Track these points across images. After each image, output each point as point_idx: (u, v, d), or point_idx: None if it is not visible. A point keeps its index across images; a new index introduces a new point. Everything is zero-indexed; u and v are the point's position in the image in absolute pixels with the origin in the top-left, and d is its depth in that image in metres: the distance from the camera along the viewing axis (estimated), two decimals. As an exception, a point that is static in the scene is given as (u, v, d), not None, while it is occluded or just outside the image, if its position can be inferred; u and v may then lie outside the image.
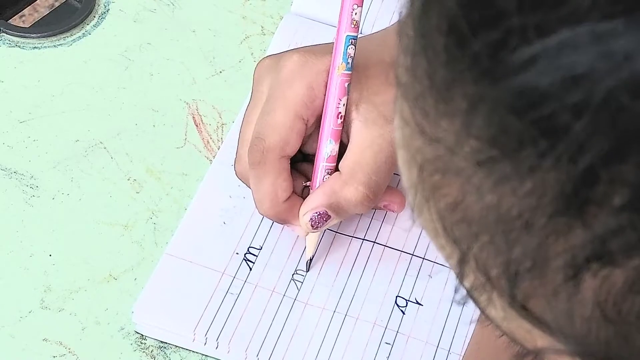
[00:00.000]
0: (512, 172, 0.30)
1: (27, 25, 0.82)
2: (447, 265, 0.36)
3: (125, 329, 0.66)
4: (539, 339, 0.34)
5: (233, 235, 0.70)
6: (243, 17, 0.83)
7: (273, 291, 0.68)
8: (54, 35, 0.80)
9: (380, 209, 0.70)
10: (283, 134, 0.65)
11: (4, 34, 0.79)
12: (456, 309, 0.68)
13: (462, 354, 0.66)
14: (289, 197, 0.66)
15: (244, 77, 0.79)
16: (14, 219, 0.70)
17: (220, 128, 0.76)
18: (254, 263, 0.69)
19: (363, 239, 0.70)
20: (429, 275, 0.69)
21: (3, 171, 0.72)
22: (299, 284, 0.68)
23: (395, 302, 0.68)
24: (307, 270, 0.69)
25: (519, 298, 0.32)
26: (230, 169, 0.72)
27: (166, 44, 0.80)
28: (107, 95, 0.77)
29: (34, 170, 0.72)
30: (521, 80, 0.29)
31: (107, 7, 0.82)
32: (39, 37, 0.79)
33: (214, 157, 0.74)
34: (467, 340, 0.66)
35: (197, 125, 0.76)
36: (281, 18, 0.82)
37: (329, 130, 0.66)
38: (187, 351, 0.66)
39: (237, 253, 0.69)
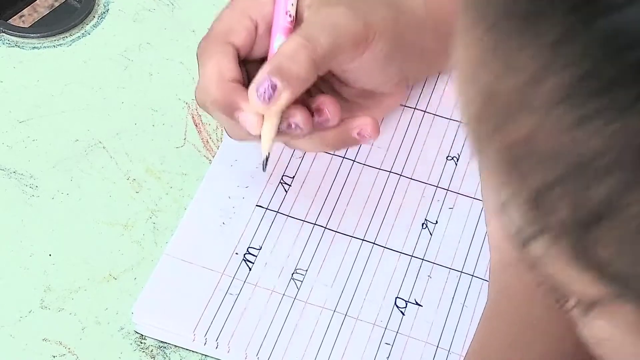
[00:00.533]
0: (597, 112, 0.29)
1: (26, 26, 0.82)
2: (497, 208, 0.34)
3: (125, 328, 0.66)
4: (594, 287, 0.33)
5: (232, 235, 0.70)
6: (242, 17, 0.83)
7: (273, 291, 0.68)
8: (53, 35, 0.80)
9: (355, 141, 0.68)
10: (227, 22, 0.66)
11: (4, 34, 0.79)
12: (456, 309, 0.68)
13: (462, 354, 0.66)
14: (236, 82, 0.64)
15: (244, 77, 0.79)
16: (13, 219, 0.70)
17: (220, 128, 0.76)
18: (253, 263, 0.69)
19: (362, 240, 0.70)
20: (429, 276, 0.69)
21: (3, 171, 0.72)
22: (298, 283, 0.68)
23: (395, 303, 0.68)
24: (264, 170, 0.68)
25: (585, 244, 0.31)
26: (230, 170, 0.73)
27: (166, 43, 0.81)
28: (107, 95, 0.77)
29: (34, 170, 0.73)
30: (616, 21, 0.28)
31: (106, 7, 0.82)
32: (38, 37, 0.79)
33: (213, 156, 0.74)
34: (468, 340, 0.66)
35: (196, 125, 0.76)
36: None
37: (278, 26, 0.66)
38: (187, 351, 0.66)
39: (237, 253, 0.69)
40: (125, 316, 0.67)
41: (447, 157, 0.75)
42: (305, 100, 0.66)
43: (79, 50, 0.80)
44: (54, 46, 0.80)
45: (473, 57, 0.33)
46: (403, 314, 0.67)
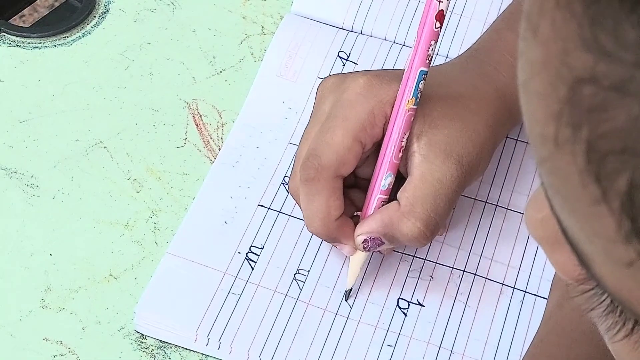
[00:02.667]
0: None
1: (27, 25, 0.82)
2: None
3: (126, 328, 0.66)
4: None
5: (234, 234, 0.69)
6: (243, 17, 0.83)
7: (275, 291, 0.68)
8: (54, 35, 0.80)
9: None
10: (340, 154, 0.64)
11: (5, 34, 0.79)
12: (458, 308, 0.68)
13: (465, 353, 0.66)
14: (341, 218, 0.65)
15: (244, 77, 0.79)
16: (14, 219, 0.70)
17: (221, 128, 0.76)
18: (255, 262, 0.68)
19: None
20: (431, 276, 0.69)
21: (3, 171, 0.72)
22: (301, 284, 0.68)
23: (397, 304, 0.68)
24: (346, 299, 0.68)
25: None
26: (232, 170, 0.72)
27: (166, 43, 0.80)
28: (107, 94, 0.77)
29: (35, 170, 0.72)
30: None
31: (107, 7, 0.82)
32: (39, 37, 0.79)
33: (214, 156, 0.74)
34: (470, 339, 0.66)
35: (197, 125, 0.76)
36: (281, 18, 0.82)
37: (389, 163, 0.65)
38: (188, 350, 0.66)
39: (239, 252, 0.69)
40: (126, 316, 0.66)
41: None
42: None
43: (80, 50, 0.79)
44: (55, 46, 0.79)
45: (555, 40, 0.29)
46: (405, 315, 0.67)
